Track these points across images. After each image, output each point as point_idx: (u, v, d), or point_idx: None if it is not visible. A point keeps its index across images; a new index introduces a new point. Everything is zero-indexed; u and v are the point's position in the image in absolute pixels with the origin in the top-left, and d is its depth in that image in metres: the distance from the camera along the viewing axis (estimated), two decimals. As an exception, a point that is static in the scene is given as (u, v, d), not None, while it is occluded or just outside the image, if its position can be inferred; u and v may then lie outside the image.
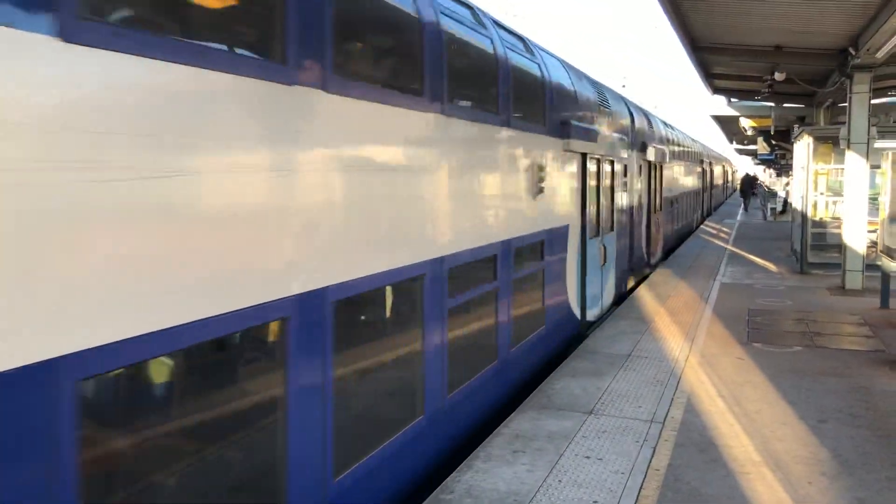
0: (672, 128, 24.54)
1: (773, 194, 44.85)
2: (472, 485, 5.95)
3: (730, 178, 58.74)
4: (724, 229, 31.74)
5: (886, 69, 15.87)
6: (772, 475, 6.15)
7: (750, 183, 48.23)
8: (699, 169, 32.42)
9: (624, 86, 59.46)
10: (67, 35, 2.99)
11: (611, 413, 7.71)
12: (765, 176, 64.98)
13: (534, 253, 9.37)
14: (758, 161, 55.21)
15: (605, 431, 7.18)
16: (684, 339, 10.96)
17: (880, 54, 14.26)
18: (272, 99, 4.27)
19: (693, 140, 33.10)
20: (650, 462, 6.45)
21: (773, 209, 38.35)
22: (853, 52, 14.98)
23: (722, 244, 25.19)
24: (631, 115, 15.32)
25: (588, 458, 6.54)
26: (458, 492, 5.83)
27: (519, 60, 8.70)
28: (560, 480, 6.07)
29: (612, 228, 13.36)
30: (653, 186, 17.80)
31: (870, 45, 13.92)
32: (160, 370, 3.69)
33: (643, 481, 6.06)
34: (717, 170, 49.41)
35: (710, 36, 16.25)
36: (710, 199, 41.46)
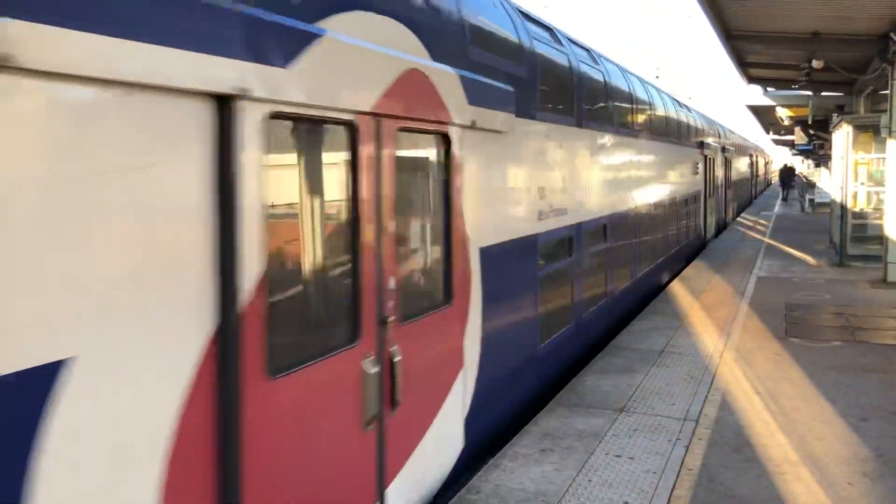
0: (723, 127, 31.47)
1: (812, 185, 43.96)
2: (500, 484, 5.83)
3: (761, 170, 61.11)
4: (762, 221, 31.15)
5: (929, 54, 15.35)
6: (810, 475, 5.94)
7: (789, 174, 47.77)
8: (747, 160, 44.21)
9: (657, 77, 58.75)
10: None
11: (642, 411, 7.53)
12: (802, 167, 63.71)
13: (695, 201, 20.33)
14: (795, 151, 54.16)
15: (637, 430, 7.01)
16: (719, 335, 10.70)
17: (923, 39, 13.81)
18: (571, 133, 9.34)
19: (739, 135, 41.56)
20: (683, 461, 6.27)
21: (811, 200, 37.57)
22: (894, 38, 14.51)
23: (759, 237, 24.70)
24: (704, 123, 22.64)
25: (619, 457, 6.38)
26: (484, 491, 5.72)
27: (673, 108, 16.34)
28: (590, 480, 5.92)
29: (712, 194, 23.97)
30: (724, 173, 27.52)
31: (912, 29, 13.48)
32: None
33: (675, 481, 5.89)
34: (757, 161, 56.83)
35: (745, 24, 15.87)
36: (755, 186, 51.95)
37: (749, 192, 45.96)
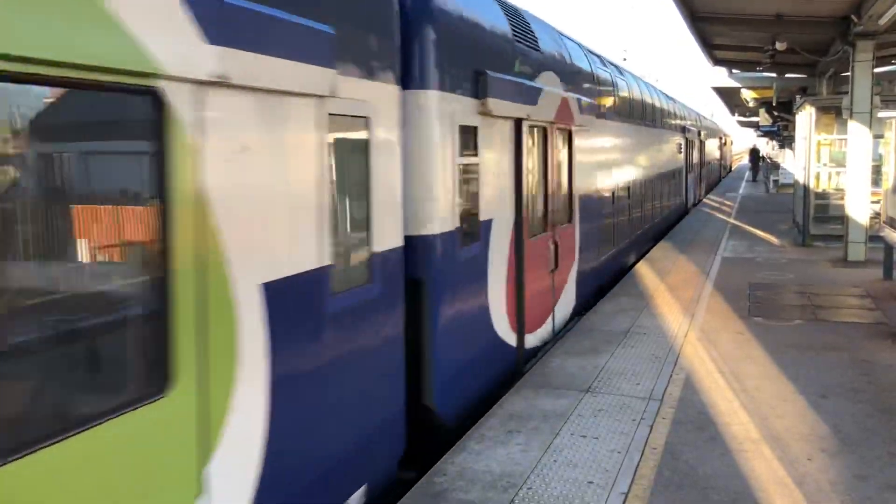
0: (699, 113, 36.22)
1: (776, 166, 44.71)
2: (465, 467, 5.84)
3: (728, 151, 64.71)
4: (727, 202, 31.51)
5: (889, 37, 15.53)
6: (770, 452, 6.03)
7: (756, 155, 50.33)
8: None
9: (625, 59, 58.96)
10: None
11: (608, 391, 7.59)
12: (767, 148, 64.49)
13: (676, 176, 24.48)
14: (760, 133, 54.75)
15: (602, 410, 7.06)
16: (684, 315, 10.82)
17: (883, 21, 13.95)
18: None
19: (711, 120, 47.56)
20: (647, 440, 6.33)
21: (775, 181, 38.13)
22: (855, 20, 14.67)
23: (724, 217, 24.99)
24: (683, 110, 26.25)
25: (584, 437, 6.43)
26: (450, 474, 5.73)
27: (661, 100, 18.30)
28: (555, 460, 5.96)
29: (692, 170, 28.97)
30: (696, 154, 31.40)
31: (872, 11, 13.62)
32: None
33: (640, 460, 5.95)
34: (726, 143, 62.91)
35: (709, 6, 15.95)
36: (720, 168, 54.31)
37: (719, 173, 51.15)
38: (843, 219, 16.28)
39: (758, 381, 7.81)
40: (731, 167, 71.98)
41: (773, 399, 7.29)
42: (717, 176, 48.94)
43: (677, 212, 25.29)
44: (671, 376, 8.03)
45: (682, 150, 25.81)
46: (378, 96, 5.33)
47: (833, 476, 5.61)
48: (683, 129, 26.11)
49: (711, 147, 42.37)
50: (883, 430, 6.46)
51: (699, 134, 31.88)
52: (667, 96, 23.92)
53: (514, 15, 8.59)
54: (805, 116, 18.79)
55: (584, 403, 7.23)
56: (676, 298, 11.98)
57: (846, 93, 16.06)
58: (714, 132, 45.78)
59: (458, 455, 6.06)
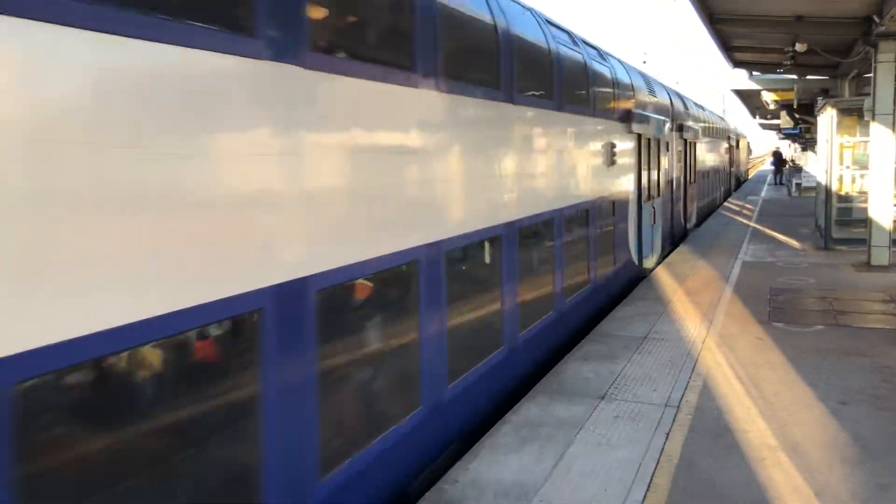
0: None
1: (799, 169, 44.15)
2: (477, 475, 5.78)
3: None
4: (748, 206, 31.19)
5: (912, 37, 15.31)
6: (789, 461, 5.92)
7: (779, 158, 50.31)
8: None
9: (644, 61, 58.61)
10: None
11: (624, 398, 7.49)
12: (789, 150, 63.87)
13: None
14: (782, 136, 54.25)
15: (618, 417, 6.98)
16: (702, 320, 10.68)
17: (905, 21, 13.75)
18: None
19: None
20: (663, 449, 6.24)
21: (798, 184, 37.68)
22: (877, 20, 14.44)
23: (745, 221, 24.73)
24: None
25: (599, 445, 6.35)
26: (462, 481, 5.67)
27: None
28: (569, 469, 5.88)
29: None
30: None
31: (894, 12, 13.41)
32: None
33: (655, 469, 5.86)
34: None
35: (728, 7, 15.79)
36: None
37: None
38: (866, 222, 16.03)
39: (777, 388, 7.68)
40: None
41: (792, 406, 7.16)
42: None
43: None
44: (688, 383, 7.92)
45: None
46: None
47: (853, 486, 5.49)
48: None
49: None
50: (905, 439, 6.32)
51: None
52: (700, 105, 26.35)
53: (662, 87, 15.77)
54: (826, 118, 18.54)
55: (599, 410, 7.14)
56: (695, 303, 11.84)
57: (868, 94, 15.82)
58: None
59: (471, 462, 6.00)
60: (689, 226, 22.17)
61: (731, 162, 41.21)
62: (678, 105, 20.28)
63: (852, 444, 6.22)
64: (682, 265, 15.70)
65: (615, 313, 11.27)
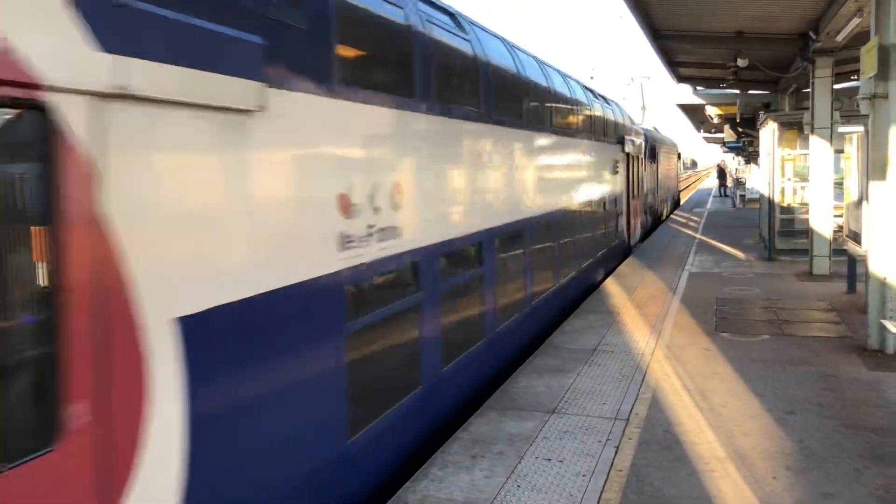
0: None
1: (741, 182, 45.35)
2: (427, 495, 5.68)
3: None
4: (694, 218, 31.77)
5: (847, 53, 15.75)
6: (736, 472, 5.95)
7: (721, 171, 52.55)
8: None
9: (592, 77, 59.46)
10: None
11: (574, 412, 7.48)
12: (733, 163, 65.35)
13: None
14: (726, 149, 55.49)
15: (568, 431, 6.95)
16: (651, 332, 10.77)
17: (840, 38, 14.17)
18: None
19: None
20: (613, 462, 6.22)
21: (742, 196, 38.60)
22: (814, 37, 14.88)
23: (691, 233, 25.15)
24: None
25: (549, 460, 6.30)
26: (411, 502, 5.56)
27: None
28: (519, 486, 5.82)
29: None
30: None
31: (829, 28, 13.82)
32: None
33: (605, 483, 5.83)
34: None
35: (672, 23, 16.08)
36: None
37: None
38: (807, 233, 16.42)
39: (724, 398, 7.75)
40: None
41: (739, 416, 7.22)
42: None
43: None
44: (638, 395, 7.94)
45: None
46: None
47: (799, 494, 5.53)
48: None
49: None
50: (848, 445, 6.42)
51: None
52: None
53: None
54: (768, 132, 19.00)
55: (549, 425, 7.11)
56: (643, 315, 11.94)
57: (807, 108, 16.26)
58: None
59: (420, 483, 5.90)
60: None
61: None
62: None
63: (798, 453, 6.29)
64: (630, 277, 15.85)
65: (565, 326, 11.30)
